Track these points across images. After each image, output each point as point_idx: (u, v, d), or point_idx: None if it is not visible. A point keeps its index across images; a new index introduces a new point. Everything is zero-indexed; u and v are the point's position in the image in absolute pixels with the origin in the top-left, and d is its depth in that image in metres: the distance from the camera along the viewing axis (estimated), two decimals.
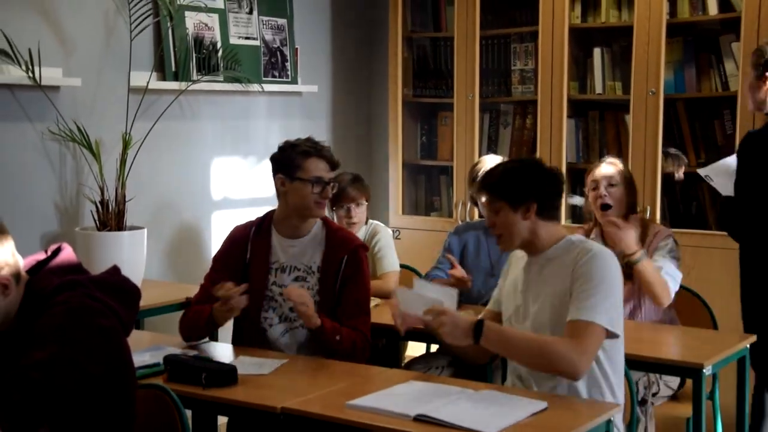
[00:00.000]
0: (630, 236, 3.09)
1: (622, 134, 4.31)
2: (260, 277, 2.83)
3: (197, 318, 2.81)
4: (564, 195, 2.59)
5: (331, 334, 2.72)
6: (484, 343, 2.37)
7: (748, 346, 2.99)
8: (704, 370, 2.71)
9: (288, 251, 2.86)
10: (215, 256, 3.00)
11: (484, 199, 2.68)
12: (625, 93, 4.22)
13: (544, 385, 2.44)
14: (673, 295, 3.13)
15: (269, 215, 2.93)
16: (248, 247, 2.88)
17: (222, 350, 2.85)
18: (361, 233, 3.65)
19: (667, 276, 3.12)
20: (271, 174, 2.91)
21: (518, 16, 4.54)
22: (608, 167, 3.32)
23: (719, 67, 4.06)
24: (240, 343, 2.88)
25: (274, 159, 2.89)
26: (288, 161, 2.83)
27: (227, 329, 2.98)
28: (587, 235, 3.29)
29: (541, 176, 2.52)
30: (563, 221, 3.47)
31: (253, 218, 2.97)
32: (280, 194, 2.86)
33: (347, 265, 2.83)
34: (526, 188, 2.47)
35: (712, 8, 4.02)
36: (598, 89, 4.34)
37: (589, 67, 4.37)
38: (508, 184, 2.48)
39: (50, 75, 3.58)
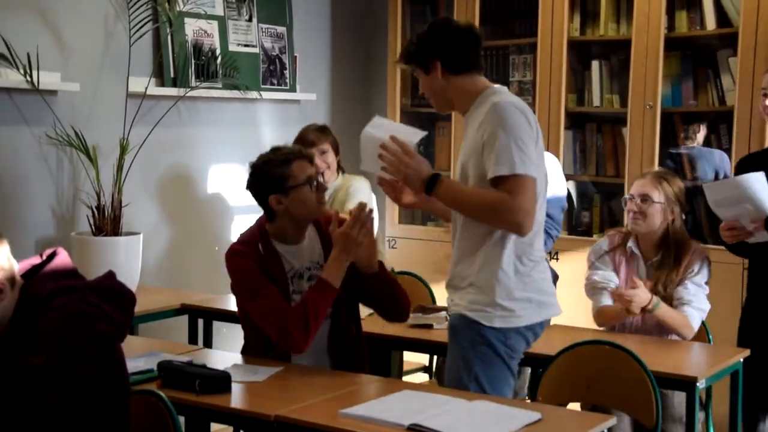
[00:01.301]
0: (640, 296, 3.05)
1: (619, 147, 4.32)
2: (283, 290, 2.73)
3: (305, 303, 2.62)
4: (478, 48, 2.58)
5: (386, 271, 2.75)
6: (436, 195, 2.47)
7: (741, 360, 3.00)
8: (698, 384, 2.71)
9: (296, 256, 2.79)
10: (240, 277, 2.73)
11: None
12: (623, 106, 4.24)
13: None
14: (697, 326, 3.16)
15: (261, 228, 2.79)
16: (264, 263, 2.73)
17: (216, 357, 2.85)
18: (331, 187, 3.63)
19: (696, 311, 3.14)
20: (255, 201, 2.80)
21: (517, 28, 4.56)
22: (643, 183, 3.28)
23: (716, 82, 4.08)
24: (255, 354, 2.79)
25: (256, 185, 2.76)
26: (273, 178, 2.72)
27: (227, 339, 2.96)
28: (625, 239, 3.30)
29: (440, 33, 2.58)
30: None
31: (238, 238, 2.81)
32: (279, 213, 2.74)
33: None
34: (426, 48, 2.55)
35: (710, 23, 4.04)
36: (596, 102, 4.36)
37: (587, 80, 4.39)
38: (413, 51, 2.59)
39: (48, 79, 3.59)
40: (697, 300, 3.16)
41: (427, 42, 2.57)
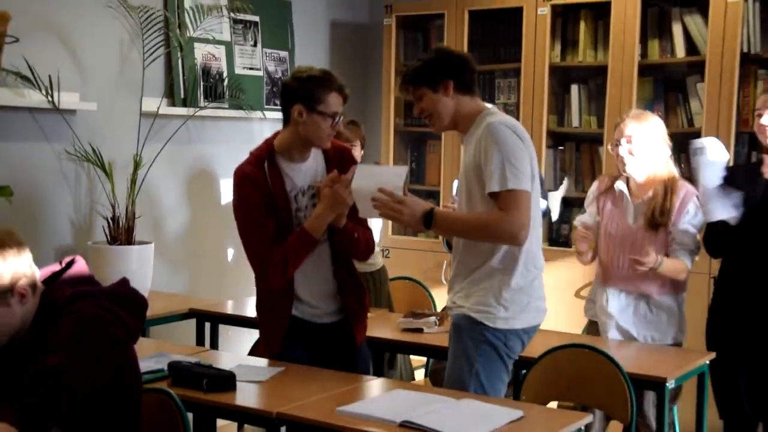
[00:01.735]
0: (649, 261, 2.97)
1: (596, 164, 4.35)
2: (286, 208, 2.70)
3: (285, 250, 2.62)
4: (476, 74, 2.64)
5: (351, 232, 2.71)
6: (435, 229, 2.50)
7: (707, 362, 3.02)
8: (667, 384, 2.73)
9: (299, 175, 2.73)
10: (245, 205, 2.69)
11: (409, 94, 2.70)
12: (600, 127, 4.26)
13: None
14: (691, 263, 3.09)
15: (269, 146, 2.74)
16: (268, 182, 2.69)
17: (222, 358, 2.85)
18: None
19: (690, 254, 3.07)
20: (281, 100, 2.75)
21: (502, 54, 4.59)
22: (625, 125, 3.12)
23: (685, 106, 4.11)
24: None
25: (293, 89, 2.68)
26: (310, 93, 2.65)
27: (232, 342, 2.95)
28: (613, 181, 3.19)
29: (450, 57, 2.63)
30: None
31: (248, 156, 2.76)
32: (293, 123, 2.68)
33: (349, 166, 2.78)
34: (439, 70, 2.58)
35: (680, 51, 4.08)
36: (575, 123, 4.38)
37: (567, 102, 4.42)
38: (423, 72, 2.60)
39: (68, 99, 3.60)
40: (693, 243, 3.09)
41: (440, 63, 2.59)
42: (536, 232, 2.56)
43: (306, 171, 2.75)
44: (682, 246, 3.08)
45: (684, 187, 3.11)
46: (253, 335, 3.20)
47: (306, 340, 2.77)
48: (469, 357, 2.51)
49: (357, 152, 3.69)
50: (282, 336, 2.74)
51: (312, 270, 2.74)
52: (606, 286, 3.16)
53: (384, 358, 3.60)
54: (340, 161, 2.78)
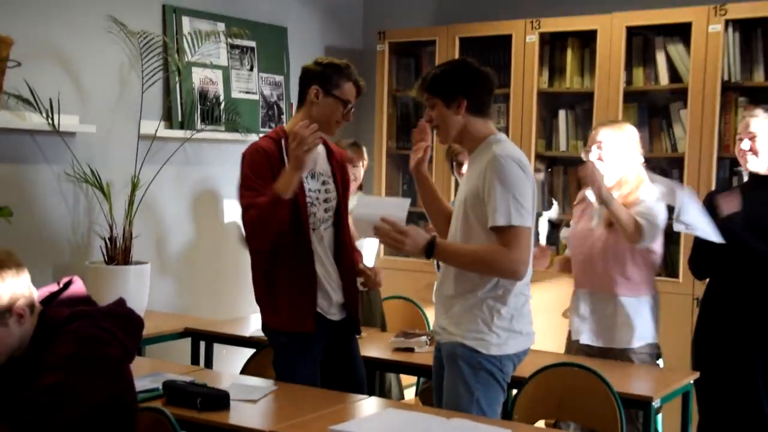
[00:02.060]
0: (596, 177, 2.94)
1: (583, 187, 4.36)
2: (300, 187, 2.73)
3: (263, 208, 2.61)
4: (493, 94, 2.58)
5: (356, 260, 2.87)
6: (435, 258, 2.48)
7: (692, 381, 3.02)
8: (653, 403, 2.73)
9: (309, 159, 2.72)
10: (250, 173, 2.71)
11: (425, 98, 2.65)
12: None
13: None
14: (643, 234, 2.94)
15: (282, 129, 2.81)
16: (284, 159, 2.72)
17: (216, 377, 2.84)
18: (354, 200, 3.66)
19: (647, 223, 2.95)
20: (300, 82, 2.81)
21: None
22: (599, 131, 3.13)
23: (669, 131, 4.14)
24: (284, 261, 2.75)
25: (313, 72, 2.77)
26: (328, 77, 2.75)
27: (226, 361, 2.94)
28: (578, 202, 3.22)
29: (470, 75, 2.53)
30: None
31: (263, 136, 2.81)
32: (308, 104, 2.77)
33: (344, 173, 2.91)
34: (456, 86, 2.51)
35: (663, 79, 4.11)
36: (563, 147, 4.41)
37: (555, 127, 4.45)
38: (440, 83, 2.53)
39: (68, 122, 3.60)
40: (651, 216, 2.98)
41: (459, 78, 2.51)
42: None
43: (314, 158, 2.80)
44: (639, 215, 2.98)
45: (647, 189, 3.06)
46: (247, 354, 3.18)
47: (322, 333, 2.82)
48: (469, 385, 2.48)
49: (360, 172, 3.71)
50: (314, 314, 2.77)
51: (325, 283, 2.80)
52: (577, 288, 3.19)
53: (375, 377, 3.59)
54: (340, 166, 2.88)
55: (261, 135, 4.34)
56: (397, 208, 2.52)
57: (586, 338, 3.15)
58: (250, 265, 2.85)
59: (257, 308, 2.89)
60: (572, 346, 3.23)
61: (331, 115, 2.76)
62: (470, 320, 2.50)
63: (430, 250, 2.45)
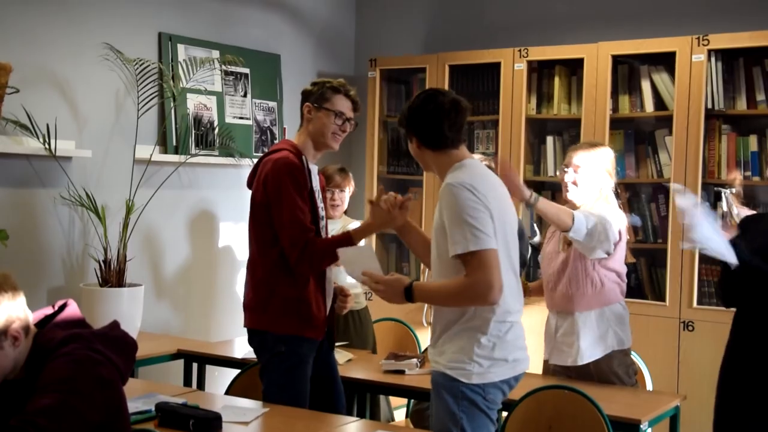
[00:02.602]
0: (516, 182, 2.93)
1: None
2: (313, 203, 2.82)
3: (327, 245, 2.75)
4: (460, 124, 2.47)
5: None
6: (416, 300, 2.46)
7: (679, 404, 3.02)
8: (641, 426, 2.73)
9: (313, 176, 2.87)
10: (295, 192, 2.75)
11: None
12: None
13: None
14: (577, 224, 2.92)
15: (293, 144, 2.86)
16: (308, 174, 2.82)
17: (208, 399, 2.83)
18: (336, 224, 3.68)
19: (582, 215, 2.94)
20: (300, 104, 2.90)
21: (481, 106, 4.65)
22: (575, 153, 3.15)
23: (655, 157, 4.18)
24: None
25: (307, 91, 2.89)
26: (319, 93, 2.84)
27: (218, 382, 2.93)
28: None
29: (420, 110, 2.48)
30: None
31: (283, 152, 2.83)
32: (304, 121, 2.87)
33: (323, 192, 3.03)
34: (407, 123, 2.51)
35: (649, 106, 4.16)
36: (551, 172, 4.44)
37: (543, 153, 4.48)
38: (404, 117, 2.52)
39: (64, 147, 3.61)
40: (595, 215, 2.97)
41: (410, 116, 2.50)
42: (509, 281, 2.46)
43: (315, 174, 2.89)
44: (582, 211, 2.99)
45: (604, 206, 3.06)
46: None
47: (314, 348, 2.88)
48: (453, 413, 2.44)
49: (345, 197, 3.73)
50: (327, 324, 2.86)
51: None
52: (548, 308, 3.22)
53: (366, 399, 3.58)
54: (322, 185, 2.99)
55: (254, 158, 4.41)
56: (369, 259, 2.58)
57: (555, 359, 3.16)
58: (262, 271, 2.81)
59: (245, 332, 2.88)
60: (548, 367, 3.24)
61: (324, 127, 2.84)
62: (451, 350, 2.45)
63: (409, 294, 2.44)
